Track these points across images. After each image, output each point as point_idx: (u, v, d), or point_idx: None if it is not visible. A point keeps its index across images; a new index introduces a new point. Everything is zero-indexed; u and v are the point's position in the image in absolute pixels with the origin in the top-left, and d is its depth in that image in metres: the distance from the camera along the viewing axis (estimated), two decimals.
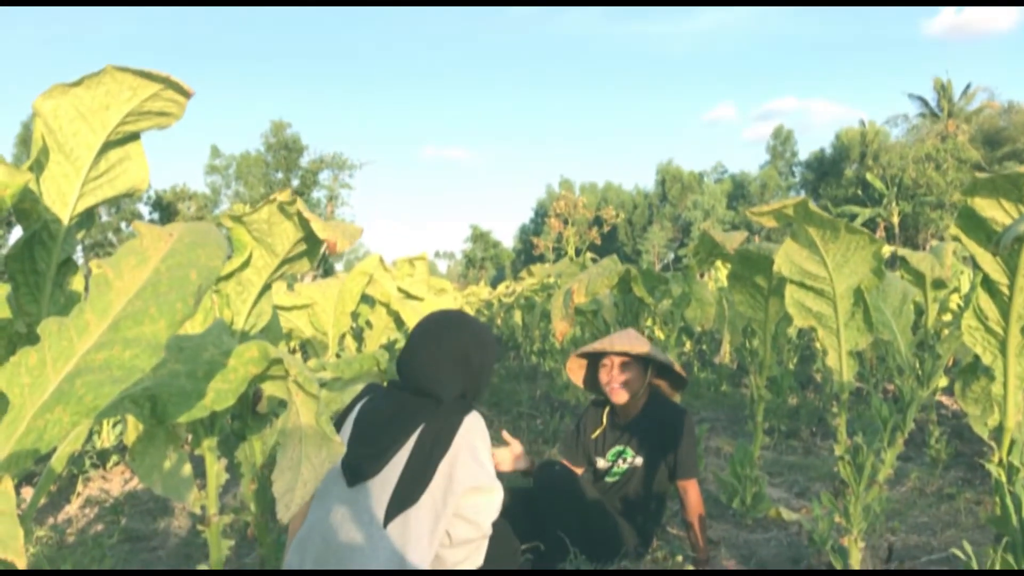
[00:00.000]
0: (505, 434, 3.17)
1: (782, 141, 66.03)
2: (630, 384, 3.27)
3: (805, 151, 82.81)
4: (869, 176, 43.73)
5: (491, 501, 2.24)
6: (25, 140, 45.99)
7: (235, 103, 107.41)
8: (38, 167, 1.42)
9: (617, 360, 3.29)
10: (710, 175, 72.03)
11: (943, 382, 5.46)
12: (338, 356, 4.00)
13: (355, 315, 4.69)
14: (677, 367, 3.34)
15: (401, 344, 5.83)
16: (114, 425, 5.07)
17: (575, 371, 3.52)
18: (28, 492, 4.30)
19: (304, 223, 2.09)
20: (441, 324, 2.41)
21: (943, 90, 49.69)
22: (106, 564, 3.17)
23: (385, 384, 2.53)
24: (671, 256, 64.46)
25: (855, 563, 2.73)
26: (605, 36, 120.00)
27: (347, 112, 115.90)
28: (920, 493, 4.26)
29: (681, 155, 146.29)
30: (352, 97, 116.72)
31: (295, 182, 55.33)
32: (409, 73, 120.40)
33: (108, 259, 1.11)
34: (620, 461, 3.32)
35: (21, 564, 0.85)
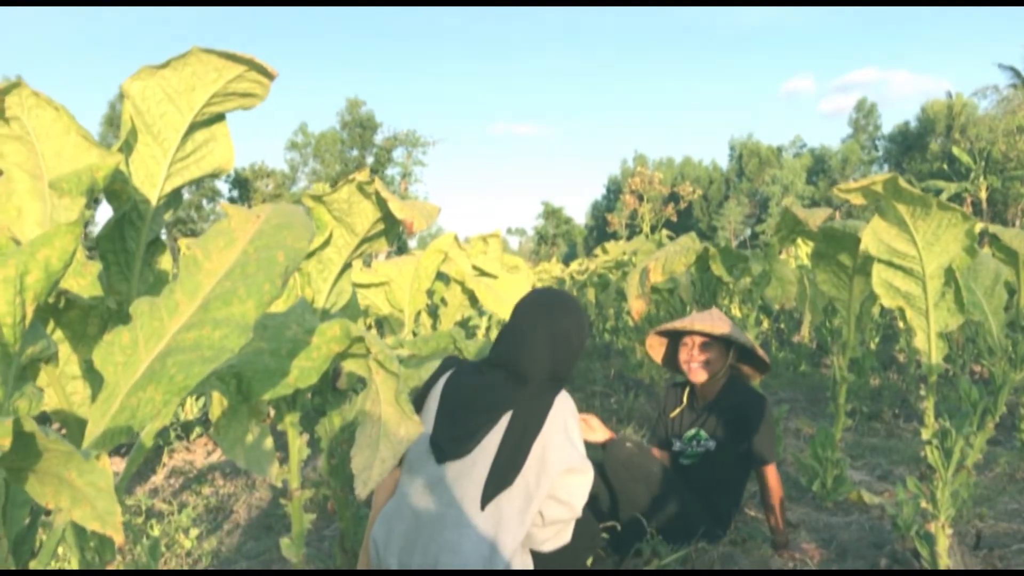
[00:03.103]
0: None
1: (865, 114, 64.22)
2: (710, 364, 3.22)
3: (887, 124, 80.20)
4: (956, 150, 41.95)
5: (584, 482, 2.24)
6: (111, 120, 47.31)
7: (313, 82, 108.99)
8: (127, 148, 1.45)
9: (698, 340, 3.24)
10: (788, 149, 70.46)
11: None
12: (414, 334, 4.03)
13: (430, 293, 4.71)
14: (759, 350, 3.27)
15: (476, 322, 5.85)
16: (197, 398, 5.21)
17: (655, 348, 3.47)
18: (117, 463, 4.45)
19: (382, 203, 2.10)
20: (553, 304, 2.39)
21: None
22: (192, 534, 3.27)
23: (465, 358, 2.52)
24: (748, 232, 63.36)
25: (942, 550, 2.66)
26: (679, 5, 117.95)
27: (419, 90, 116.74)
28: (1010, 479, 4.12)
29: (758, 128, 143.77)
30: (423, 75, 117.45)
31: (369, 159, 55.94)
32: (479, 50, 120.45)
33: (197, 240, 1.12)
34: (694, 443, 3.28)
35: (119, 539, 0.88)
